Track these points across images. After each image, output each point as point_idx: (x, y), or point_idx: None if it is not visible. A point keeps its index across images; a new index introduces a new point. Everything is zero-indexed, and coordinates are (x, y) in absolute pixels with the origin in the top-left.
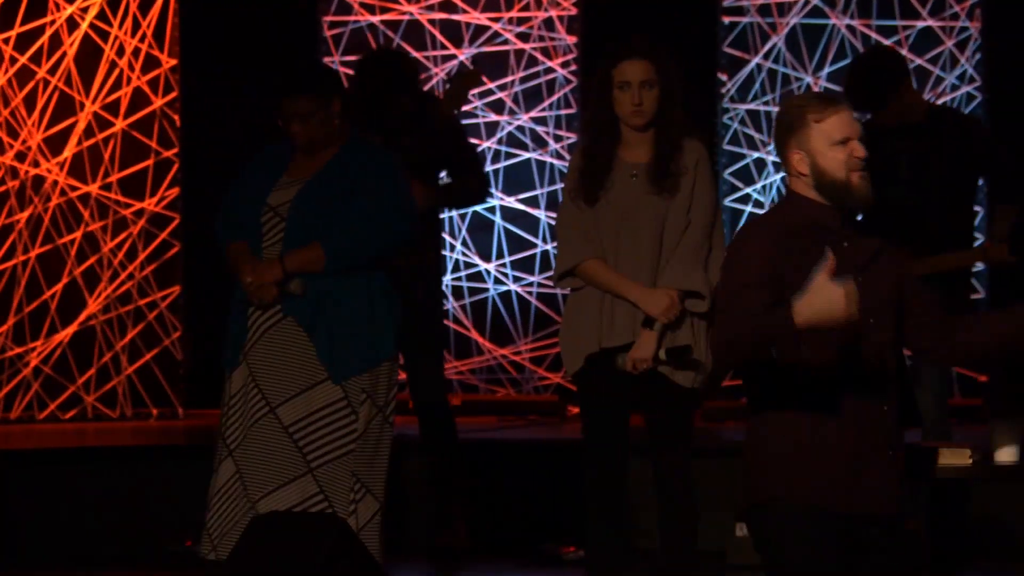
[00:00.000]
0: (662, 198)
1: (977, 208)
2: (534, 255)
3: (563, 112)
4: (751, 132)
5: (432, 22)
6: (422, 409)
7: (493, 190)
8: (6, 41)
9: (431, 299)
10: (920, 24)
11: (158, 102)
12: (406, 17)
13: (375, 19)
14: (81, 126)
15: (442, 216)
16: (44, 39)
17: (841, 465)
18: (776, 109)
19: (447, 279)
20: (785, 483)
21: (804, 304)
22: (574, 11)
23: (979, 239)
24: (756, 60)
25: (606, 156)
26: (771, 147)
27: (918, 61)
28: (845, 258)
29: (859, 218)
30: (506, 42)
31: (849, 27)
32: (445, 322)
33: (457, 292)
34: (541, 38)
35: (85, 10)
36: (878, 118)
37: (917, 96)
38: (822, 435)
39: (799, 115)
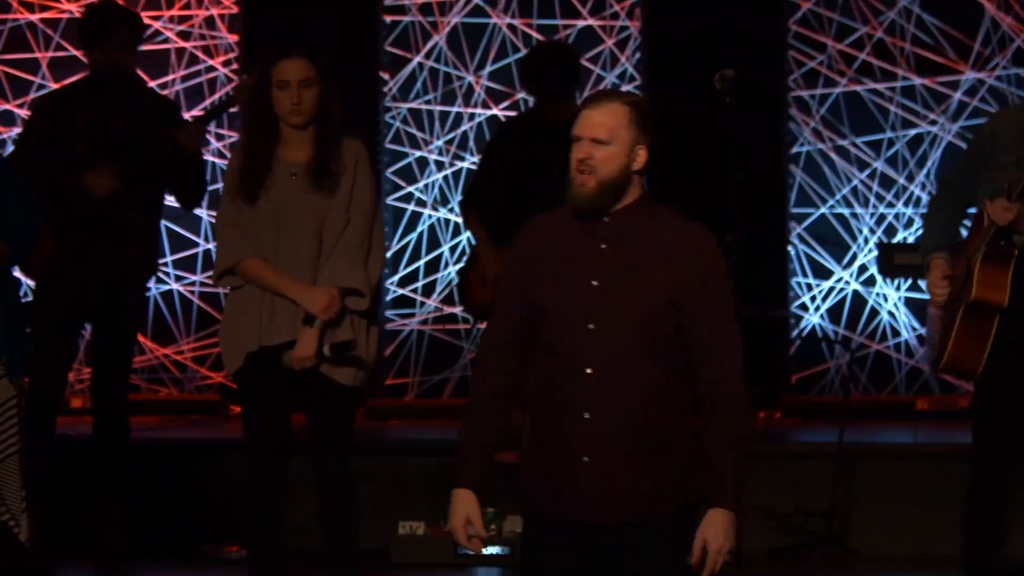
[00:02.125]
0: (322, 196)
1: None
2: (196, 254)
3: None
4: (413, 131)
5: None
6: (105, 410)
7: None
8: None
9: (140, 301)
10: (581, 23)
11: None
12: (66, 15)
13: (34, 17)
14: None
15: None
16: None
17: (550, 473)
18: (439, 108)
19: None
20: (520, 492)
21: None
22: (235, 9)
23: None
24: (418, 59)
25: (266, 155)
26: (433, 146)
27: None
28: (592, 259)
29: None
30: (167, 40)
31: (510, 26)
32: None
33: None
34: (203, 36)
35: None
36: (540, 112)
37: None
38: (538, 444)
39: None
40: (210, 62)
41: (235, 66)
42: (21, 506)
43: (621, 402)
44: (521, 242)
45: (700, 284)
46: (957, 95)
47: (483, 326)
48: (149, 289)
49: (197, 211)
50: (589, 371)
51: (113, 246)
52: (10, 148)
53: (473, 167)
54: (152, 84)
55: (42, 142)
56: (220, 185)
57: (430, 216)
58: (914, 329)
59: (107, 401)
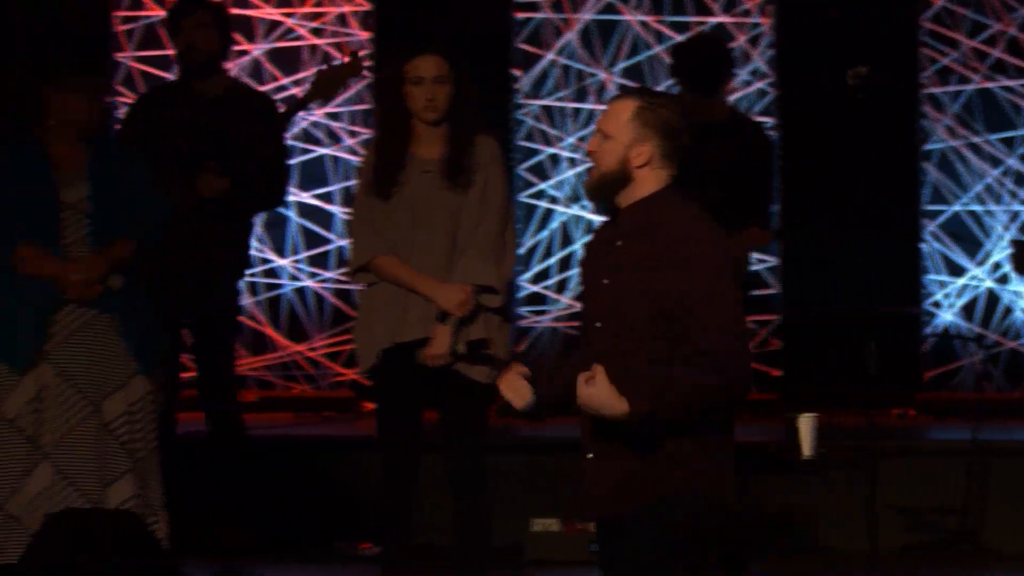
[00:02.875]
0: (455, 193)
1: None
2: (329, 251)
3: (357, 108)
4: (545, 128)
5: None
6: (215, 408)
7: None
8: None
9: (232, 299)
10: (713, 20)
11: None
12: None
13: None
14: None
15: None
16: None
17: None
18: (571, 105)
19: None
20: None
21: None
22: (367, 7)
23: None
24: (550, 56)
25: (399, 151)
26: (564, 143)
27: None
28: (608, 256)
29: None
30: (299, 38)
31: (642, 23)
32: (239, 318)
33: (252, 288)
34: (334, 34)
35: None
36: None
37: (725, 96)
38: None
39: None
40: (342, 59)
41: (367, 63)
42: (161, 502)
43: (644, 391)
44: (588, 241)
45: (697, 286)
46: None
47: None
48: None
49: (330, 208)
50: (598, 368)
51: (204, 246)
52: None
53: None
54: (285, 81)
55: (134, 144)
56: (354, 182)
57: (562, 213)
58: None
59: (214, 400)
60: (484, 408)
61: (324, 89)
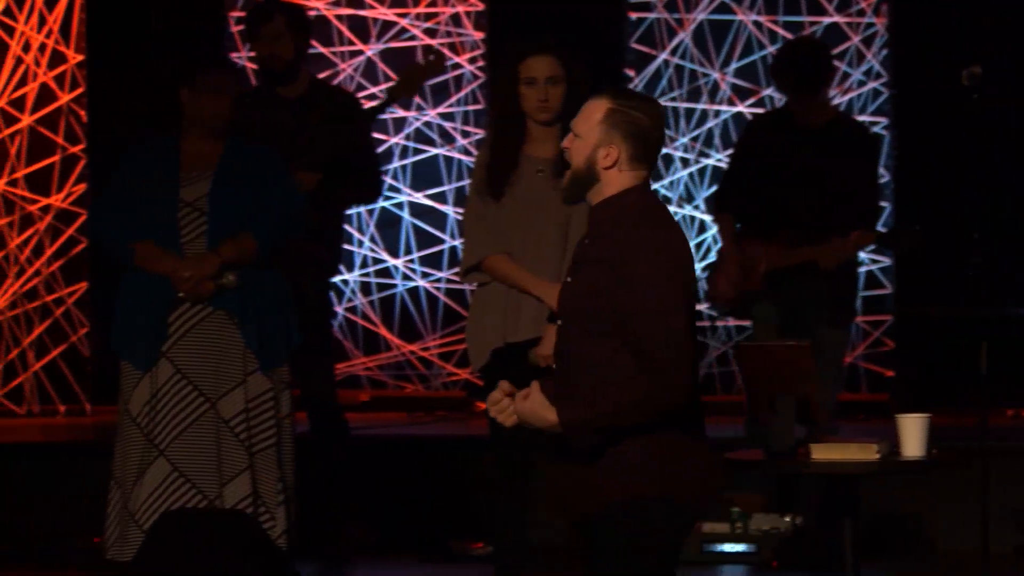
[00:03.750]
0: None
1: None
2: (442, 251)
3: (470, 108)
4: None
5: (339, 17)
6: (313, 407)
7: (401, 185)
8: None
9: (322, 296)
10: (826, 20)
11: (64, 98)
12: (313, 13)
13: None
14: None
15: (348, 212)
16: None
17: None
18: (684, 105)
19: (354, 275)
20: None
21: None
22: (481, 7)
23: None
24: (663, 56)
25: (512, 151)
26: (678, 143)
27: None
28: (576, 254)
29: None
30: (413, 38)
31: (756, 23)
32: (352, 318)
33: (365, 288)
34: (448, 34)
35: None
36: (788, 109)
37: (828, 98)
38: None
39: None
40: (456, 59)
41: (481, 63)
42: (277, 499)
43: (577, 400)
44: None
45: (638, 292)
46: None
47: (725, 323)
48: (334, 285)
49: (443, 208)
50: (555, 367)
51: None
52: None
53: (718, 164)
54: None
55: None
56: (467, 182)
57: (675, 213)
58: None
59: (314, 400)
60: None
61: (407, 87)
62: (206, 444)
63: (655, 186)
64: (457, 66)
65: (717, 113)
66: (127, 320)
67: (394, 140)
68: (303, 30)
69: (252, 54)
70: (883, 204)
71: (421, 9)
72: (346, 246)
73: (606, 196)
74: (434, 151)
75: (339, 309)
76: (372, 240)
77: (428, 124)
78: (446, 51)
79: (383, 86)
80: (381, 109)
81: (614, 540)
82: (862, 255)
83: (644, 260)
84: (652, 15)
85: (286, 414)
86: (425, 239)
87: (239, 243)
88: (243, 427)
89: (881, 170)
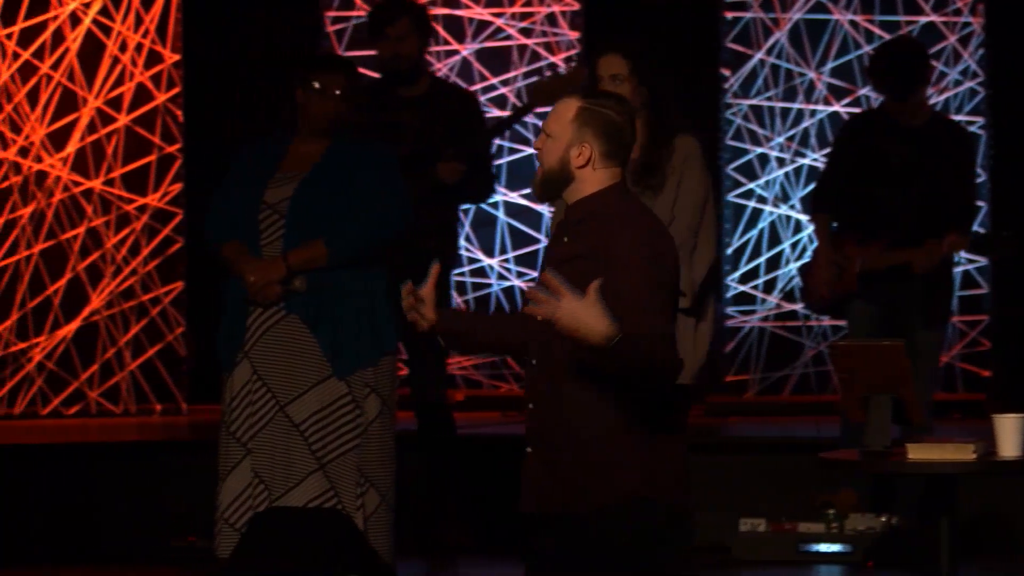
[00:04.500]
0: (647, 195)
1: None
2: (537, 250)
3: None
4: (754, 127)
5: (435, 17)
6: (422, 406)
7: (496, 185)
8: (9, 36)
9: (439, 297)
10: (923, 20)
11: (161, 97)
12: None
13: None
14: (84, 121)
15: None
16: (47, 34)
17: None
18: (780, 104)
19: (450, 275)
20: None
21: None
22: (576, 6)
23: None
24: (759, 55)
25: None
26: (774, 142)
27: None
28: (555, 251)
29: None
30: (508, 37)
31: (852, 22)
32: None
33: (460, 287)
34: (544, 33)
35: (88, 5)
36: (885, 109)
37: (925, 98)
38: None
39: None
40: (551, 59)
41: (576, 63)
42: (355, 504)
43: (554, 395)
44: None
45: (619, 286)
46: None
47: (820, 322)
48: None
49: (538, 207)
50: (533, 362)
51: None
52: None
53: (814, 164)
54: (494, 80)
55: None
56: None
57: (771, 212)
58: None
59: (423, 397)
60: (686, 408)
61: (545, 97)
62: (276, 446)
63: (750, 185)
64: (553, 65)
65: (813, 113)
66: (221, 319)
67: None
68: (427, 29)
69: (373, 53)
70: (979, 204)
71: (516, 9)
72: None
73: (584, 195)
74: (529, 151)
75: None
76: (468, 240)
77: (523, 124)
78: (541, 51)
79: (479, 85)
80: (518, 116)
81: (592, 540)
82: (958, 255)
83: (626, 257)
84: (748, 15)
85: (374, 417)
86: (520, 239)
87: (309, 250)
88: (314, 431)
89: (977, 170)
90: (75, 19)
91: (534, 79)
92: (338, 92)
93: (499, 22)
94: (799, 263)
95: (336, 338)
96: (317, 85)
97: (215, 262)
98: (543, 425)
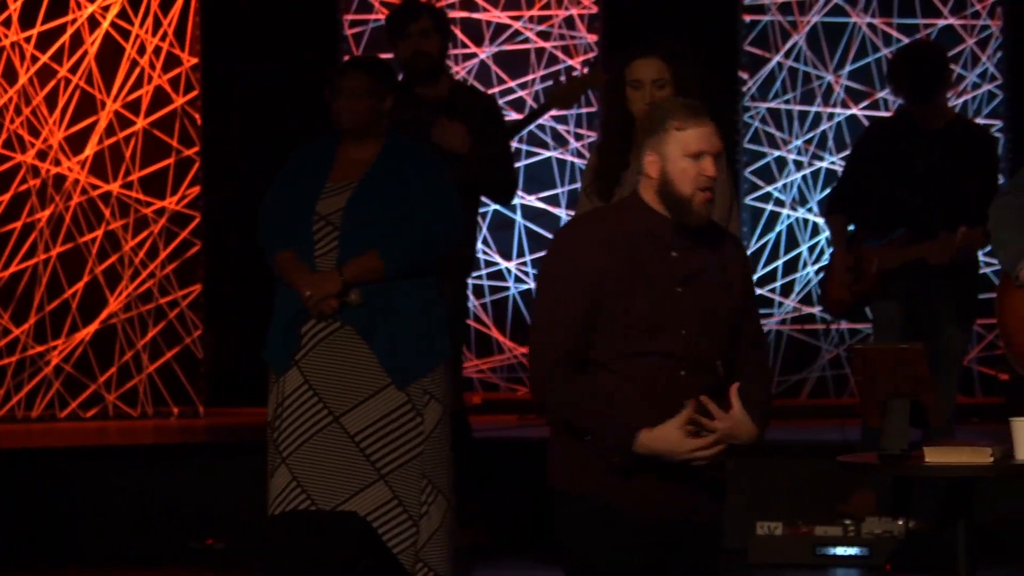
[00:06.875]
0: None
1: None
2: None
3: (583, 111)
4: (772, 130)
5: (453, 20)
6: None
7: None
8: (28, 40)
9: (457, 299)
10: (941, 23)
11: (179, 100)
12: None
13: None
14: (102, 125)
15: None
16: (65, 37)
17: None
18: (798, 107)
19: (468, 278)
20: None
21: (651, 441)
22: (595, 9)
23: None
24: (777, 58)
25: (621, 154)
26: (791, 146)
27: None
28: (671, 268)
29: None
30: (527, 40)
31: (870, 25)
32: (466, 320)
33: (478, 290)
34: (562, 36)
35: (106, 9)
36: (906, 113)
37: (946, 101)
38: None
39: (661, 119)
40: (569, 62)
41: (594, 66)
42: (420, 511)
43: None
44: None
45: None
46: None
47: (838, 326)
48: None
49: (556, 210)
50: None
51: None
52: None
53: (832, 167)
54: (512, 84)
55: None
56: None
57: (789, 216)
58: None
59: None
60: None
61: (563, 99)
62: (324, 456)
63: (768, 189)
64: (571, 69)
65: (831, 116)
66: (272, 324)
67: None
68: (447, 30)
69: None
70: None
71: (535, 12)
72: None
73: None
74: (547, 154)
75: None
76: (485, 243)
77: (541, 127)
78: (559, 54)
79: (498, 88)
80: (534, 117)
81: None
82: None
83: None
84: (766, 17)
85: (436, 424)
86: (538, 242)
87: (364, 262)
88: (372, 442)
89: (998, 173)
90: (94, 22)
91: (552, 83)
92: (365, 94)
93: (517, 25)
94: (816, 266)
95: (394, 349)
96: (342, 88)
97: (268, 270)
98: None
